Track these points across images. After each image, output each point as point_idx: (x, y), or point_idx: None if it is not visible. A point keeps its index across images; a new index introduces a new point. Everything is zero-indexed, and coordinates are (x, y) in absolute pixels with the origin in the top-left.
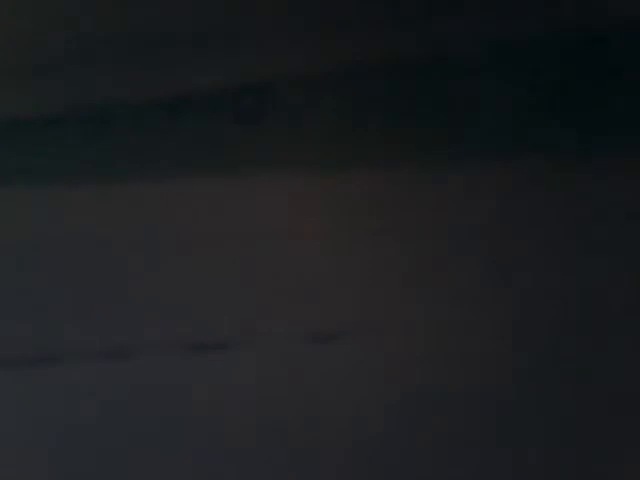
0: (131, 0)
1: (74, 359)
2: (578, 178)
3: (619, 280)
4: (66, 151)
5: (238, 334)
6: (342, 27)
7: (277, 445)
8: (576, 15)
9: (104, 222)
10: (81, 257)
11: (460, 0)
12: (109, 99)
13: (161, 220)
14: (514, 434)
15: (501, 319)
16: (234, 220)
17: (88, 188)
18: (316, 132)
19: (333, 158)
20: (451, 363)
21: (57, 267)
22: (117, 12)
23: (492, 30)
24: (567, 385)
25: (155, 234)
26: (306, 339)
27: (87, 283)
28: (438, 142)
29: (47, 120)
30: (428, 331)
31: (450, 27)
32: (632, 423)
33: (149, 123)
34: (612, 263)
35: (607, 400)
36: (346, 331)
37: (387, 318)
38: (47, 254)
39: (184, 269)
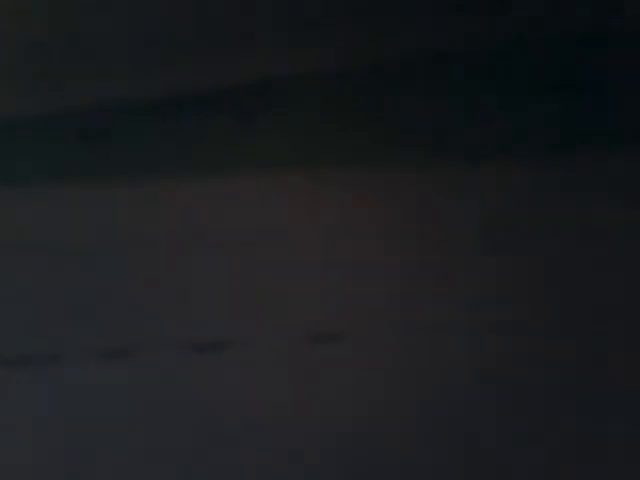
0: (131, 1)
1: (74, 359)
2: (578, 178)
3: (619, 279)
4: (66, 151)
5: (238, 334)
6: (342, 27)
7: (277, 444)
8: (576, 15)
9: (104, 222)
10: (81, 257)
11: (459, 1)
12: (110, 99)
13: (161, 220)
14: (513, 432)
15: (501, 319)
16: (234, 220)
17: (88, 188)
18: (316, 132)
19: (333, 158)
20: (451, 363)
21: (57, 267)
22: (117, 13)
23: (492, 30)
24: (567, 385)
25: (155, 234)
26: (306, 339)
27: (87, 283)
28: (438, 142)
29: (47, 120)
30: (428, 331)
31: (450, 28)
32: (632, 425)
33: (149, 123)
34: (612, 263)
35: (606, 400)
36: (346, 331)
37: (387, 319)
38: (47, 254)
39: (184, 269)
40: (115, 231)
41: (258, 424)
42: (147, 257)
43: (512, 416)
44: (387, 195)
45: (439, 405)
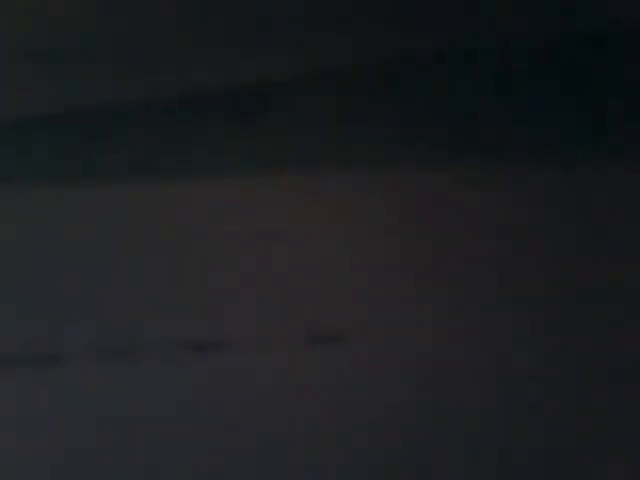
0: (131, 1)
1: (74, 359)
2: (578, 178)
3: (619, 280)
4: (66, 151)
5: (238, 334)
6: (342, 27)
7: (278, 444)
8: (576, 15)
9: (104, 222)
10: (81, 257)
11: (460, 1)
12: (109, 99)
13: (161, 220)
14: (513, 431)
15: (501, 320)
16: (234, 220)
17: (88, 188)
18: (316, 132)
19: (333, 158)
20: (451, 363)
21: (57, 267)
22: (117, 13)
23: (492, 31)
24: (567, 385)
25: (155, 234)
26: (306, 339)
27: (87, 283)
28: (438, 142)
29: (47, 120)
30: (428, 331)
31: (450, 28)
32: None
33: (149, 123)
34: (612, 263)
35: (606, 401)
36: (346, 331)
37: (387, 318)
38: (47, 254)
39: (184, 269)
40: (115, 231)
41: (258, 424)
42: (147, 257)
43: (512, 416)
44: (387, 195)
45: (439, 406)
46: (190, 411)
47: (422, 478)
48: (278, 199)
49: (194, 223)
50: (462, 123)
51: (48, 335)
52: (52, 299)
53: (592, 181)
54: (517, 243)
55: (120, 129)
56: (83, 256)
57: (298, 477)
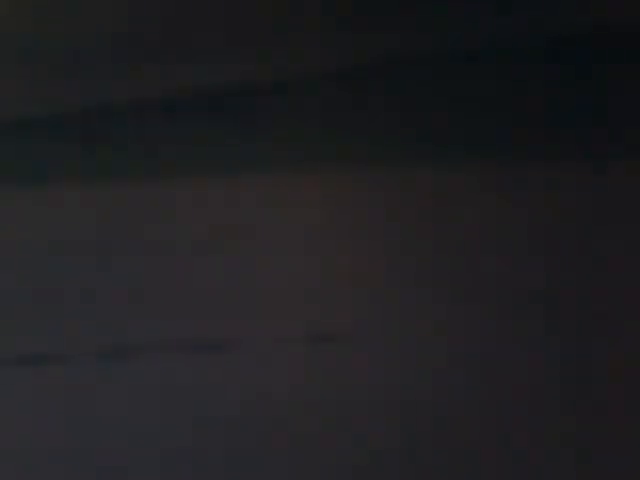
0: (131, 1)
1: (74, 359)
2: (578, 179)
3: (618, 280)
4: (66, 151)
5: (238, 334)
6: (342, 27)
7: (277, 444)
8: (576, 15)
9: (104, 222)
10: (81, 257)
11: (460, 1)
12: (109, 99)
13: (161, 220)
14: (513, 432)
15: (500, 319)
16: (234, 220)
17: (88, 188)
18: (316, 132)
19: (333, 158)
20: (451, 363)
21: (57, 267)
22: (117, 12)
23: (492, 31)
24: (566, 384)
25: (155, 234)
26: (306, 339)
27: (87, 283)
28: (438, 142)
29: (47, 120)
30: (428, 331)
31: (450, 28)
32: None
33: (149, 123)
34: (612, 263)
35: (606, 400)
36: (346, 332)
37: (387, 318)
38: (47, 254)
39: (184, 269)
40: (115, 231)
41: (258, 424)
42: (147, 257)
43: (512, 416)
44: (388, 195)
45: (439, 405)
46: (190, 411)
47: (422, 478)
48: (278, 199)
49: (193, 223)
50: (462, 123)
51: (48, 335)
52: (52, 299)
53: (592, 181)
54: (517, 243)
55: (120, 129)
56: (83, 256)
57: (298, 477)
